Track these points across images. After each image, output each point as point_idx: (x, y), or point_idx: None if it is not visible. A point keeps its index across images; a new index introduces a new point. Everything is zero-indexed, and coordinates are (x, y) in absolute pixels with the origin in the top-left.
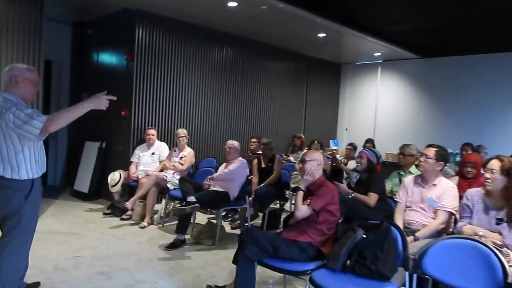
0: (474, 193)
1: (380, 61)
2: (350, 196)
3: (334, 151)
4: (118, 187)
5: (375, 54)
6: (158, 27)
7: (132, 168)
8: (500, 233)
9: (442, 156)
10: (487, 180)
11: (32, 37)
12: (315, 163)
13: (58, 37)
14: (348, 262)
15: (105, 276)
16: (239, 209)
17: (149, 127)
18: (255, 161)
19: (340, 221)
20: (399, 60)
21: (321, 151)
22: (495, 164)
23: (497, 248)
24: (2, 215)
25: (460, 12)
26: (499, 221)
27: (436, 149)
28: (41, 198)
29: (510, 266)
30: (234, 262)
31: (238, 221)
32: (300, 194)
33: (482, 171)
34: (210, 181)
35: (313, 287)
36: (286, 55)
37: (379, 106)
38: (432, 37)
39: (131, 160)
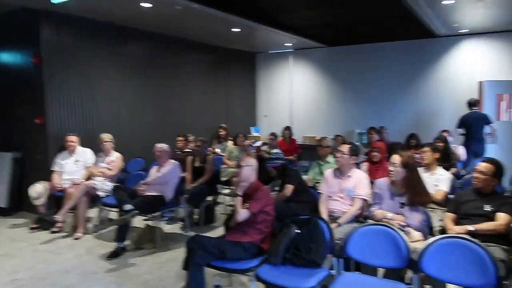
0: (382, 182)
1: (291, 49)
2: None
3: (257, 139)
4: (42, 200)
5: (286, 44)
6: (67, 27)
7: (56, 177)
8: (403, 215)
9: (354, 151)
10: (390, 172)
11: None
12: (250, 169)
13: None
14: (286, 255)
15: None
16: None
17: (69, 134)
18: (190, 158)
19: None
20: (308, 48)
21: (248, 142)
22: (396, 159)
23: (401, 228)
24: None
25: (352, 10)
26: (402, 205)
27: (349, 146)
28: None
29: (411, 241)
30: (184, 268)
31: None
32: (239, 199)
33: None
34: (144, 186)
35: (258, 282)
36: (202, 48)
37: (294, 92)
38: (334, 29)
39: (53, 169)
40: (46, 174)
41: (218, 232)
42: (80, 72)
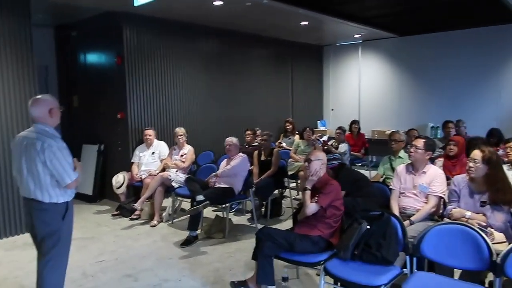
0: (460, 179)
1: (360, 41)
2: None
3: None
4: (123, 189)
5: (355, 36)
6: (144, 28)
7: (135, 169)
8: (484, 215)
9: (430, 146)
10: (470, 168)
11: (23, 46)
12: (319, 163)
13: (41, 41)
14: (356, 251)
15: (132, 278)
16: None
17: (146, 128)
18: (256, 153)
19: None
20: (377, 39)
21: (314, 136)
22: (477, 154)
23: (481, 229)
24: (42, 235)
25: None
26: (482, 203)
27: (424, 140)
28: (73, 216)
29: (493, 243)
30: (253, 258)
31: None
32: (308, 193)
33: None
34: (214, 178)
35: (327, 276)
36: (269, 42)
37: (362, 85)
38: (405, 17)
39: (132, 161)
40: (126, 166)
41: (285, 225)
42: (156, 69)
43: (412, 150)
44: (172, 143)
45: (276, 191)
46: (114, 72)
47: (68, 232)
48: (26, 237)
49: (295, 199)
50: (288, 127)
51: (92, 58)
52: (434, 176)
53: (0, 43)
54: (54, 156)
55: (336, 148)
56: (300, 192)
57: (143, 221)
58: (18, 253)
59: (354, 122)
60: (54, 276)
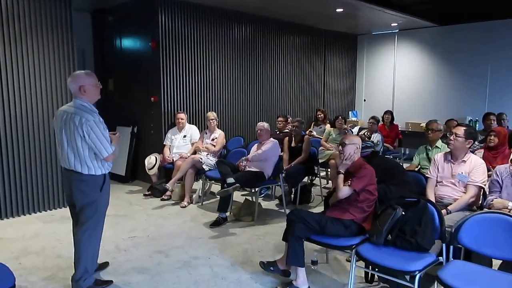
0: (503, 169)
1: (396, 30)
2: None
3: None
4: (155, 170)
5: (392, 24)
6: (179, 12)
7: (166, 151)
8: None
9: (471, 134)
10: None
11: (64, 29)
12: (354, 147)
13: (79, 25)
14: (389, 236)
15: (163, 254)
16: (271, 186)
17: (179, 111)
18: (286, 139)
19: None
20: (415, 29)
21: (346, 126)
22: None
23: None
24: (81, 205)
25: None
26: None
27: (465, 128)
28: (110, 189)
29: None
30: (284, 239)
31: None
32: (341, 177)
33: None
34: (245, 162)
35: (358, 259)
36: (302, 29)
37: (397, 76)
38: (448, 4)
39: (164, 143)
40: (158, 148)
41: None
42: (189, 54)
43: (451, 138)
44: (203, 127)
45: (306, 178)
46: (149, 56)
47: (105, 203)
48: (64, 211)
49: (324, 187)
50: (319, 116)
51: (128, 42)
52: (474, 165)
53: (43, 25)
54: (91, 130)
55: (369, 138)
56: (330, 181)
57: (173, 202)
58: (56, 226)
59: (387, 112)
60: (91, 244)
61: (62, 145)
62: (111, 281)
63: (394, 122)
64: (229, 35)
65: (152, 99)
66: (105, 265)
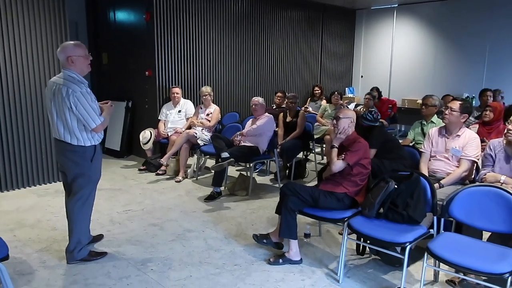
0: (496, 143)
1: (396, 5)
2: None
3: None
4: (150, 145)
5: None
6: None
7: (161, 126)
8: None
9: (466, 108)
10: (509, 131)
11: (55, 2)
12: (348, 121)
13: None
14: (381, 209)
15: (158, 227)
16: (265, 161)
17: (174, 86)
18: (281, 115)
19: None
20: (415, 3)
21: (342, 102)
22: None
23: None
24: (73, 175)
25: None
26: None
27: (460, 102)
28: (101, 160)
29: None
30: (277, 212)
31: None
32: (335, 150)
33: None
34: (240, 136)
35: (350, 232)
36: (300, 3)
37: (395, 52)
38: None
39: (159, 118)
40: (153, 123)
41: None
42: (185, 28)
43: (447, 112)
44: (198, 102)
45: (301, 154)
46: (143, 29)
47: (96, 174)
48: (58, 185)
49: (319, 163)
50: (316, 92)
51: (121, 15)
52: (468, 139)
53: None
54: (78, 101)
55: None
56: (325, 157)
57: (168, 177)
58: (51, 199)
59: (372, 89)
60: (83, 214)
61: (52, 116)
62: (106, 253)
63: (387, 98)
64: (226, 8)
65: (146, 73)
66: (99, 237)
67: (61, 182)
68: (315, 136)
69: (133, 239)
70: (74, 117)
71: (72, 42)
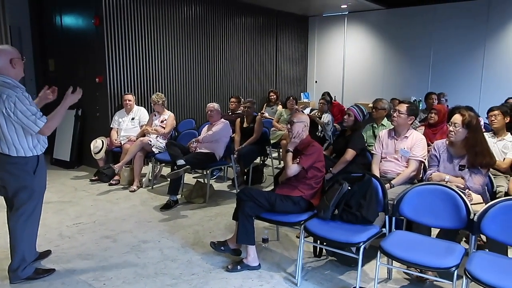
0: (440, 144)
1: (346, 12)
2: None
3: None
4: (102, 154)
5: (342, 6)
6: None
7: (114, 134)
8: (462, 178)
9: (413, 111)
10: (450, 132)
11: None
12: (302, 125)
13: (13, 0)
14: (336, 211)
15: (111, 239)
16: (223, 167)
17: (126, 93)
18: (238, 120)
19: None
20: (365, 11)
21: (297, 106)
22: (457, 118)
23: (460, 191)
24: (14, 190)
25: None
26: (461, 167)
27: (407, 105)
28: (46, 171)
29: (471, 204)
30: (234, 218)
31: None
32: (290, 155)
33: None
34: (196, 143)
35: (307, 235)
36: (254, 10)
37: (347, 57)
38: None
39: (111, 126)
40: (105, 131)
41: None
42: (136, 32)
43: (395, 114)
44: (152, 109)
45: (258, 159)
46: (92, 34)
47: (40, 187)
48: None
49: (276, 168)
50: (272, 97)
51: (69, 19)
52: (415, 140)
53: None
54: (15, 106)
55: (320, 118)
56: (282, 162)
57: (122, 187)
58: None
59: (324, 94)
60: (27, 230)
61: None
62: (54, 270)
63: (338, 102)
64: (179, 12)
65: (97, 80)
66: (47, 253)
67: (2, 197)
68: (272, 141)
69: (84, 253)
70: (11, 124)
71: (6, 45)
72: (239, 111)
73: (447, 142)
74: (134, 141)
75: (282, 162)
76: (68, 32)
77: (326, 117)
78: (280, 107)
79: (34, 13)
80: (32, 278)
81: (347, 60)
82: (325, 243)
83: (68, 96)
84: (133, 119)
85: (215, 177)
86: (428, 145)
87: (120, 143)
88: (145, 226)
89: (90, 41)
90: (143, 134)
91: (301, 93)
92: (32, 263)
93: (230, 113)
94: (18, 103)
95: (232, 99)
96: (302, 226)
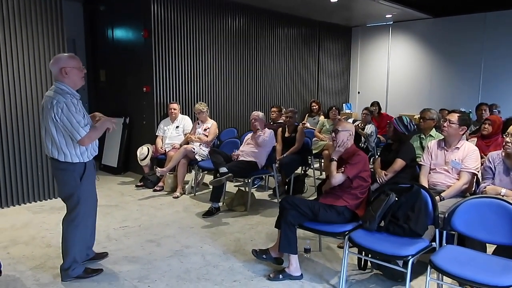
0: (495, 156)
1: (391, 22)
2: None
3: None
4: (147, 161)
5: (386, 16)
6: (172, 2)
7: (159, 142)
8: None
9: (465, 121)
10: (507, 144)
11: (54, 18)
12: (347, 133)
13: (70, 14)
14: (382, 222)
15: (155, 244)
16: (264, 177)
17: (172, 102)
18: (280, 130)
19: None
20: (410, 20)
21: (339, 117)
22: None
23: None
24: (63, 195)
25: None
26: None
27: (458, 115)
28: (95, 178)
29: None
30: (276, 226)
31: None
32: (334, 163)
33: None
34: (238, 151)
35: (351, 245)
36: (297, 21)
37: (391, 68)
38: None
39: (157, 134)
40: (150, 139)
41: None
42: (182, 44)
43: (445, 124)
44: (195, 118)
45: (299, 169)
46: (141, 46)
47: (88, 194)
48: (53, 202)
49: (318, 178)
50: (314, 107)
51: (120, 32)
52: (467, 152)
53: (33, 14)
54: (62, 112)
55: (362, 129)
56: (324, 172)
57: (166, 193)
58: (46, 216)
59: (373, 103)
60: (77, 234)
61: (42, 131)
62: (101, 270)
63: (387, 113)
64: (223, 24)
65: (144, 89)
66: (103, 255)
67: (57, 198)
68: (314, 151)
69: (129, 255)
70: (60, 130)
71: (66, 54)
72: (280, 121)
73: (503, 154)
74: (178, 148)
75: (324, 172)
76: (118, 44)
77: (369, 128)
78: (322, 117)
79: (88, 26)
80: (81, 277)
81: (391, 71)
82: (370, 255)
83: (109, 119)
84: (177, 127)
85: (256, 186)
86: (481, 157)
87: (165, 150)
88: (187, 232)
89: (138, 53)
90: (186, 142)
91: (343, 104)
92: (86, 262)
93: (271, 123)
94: (65, 109)
95: (273, 109)
96: (347, 237)
